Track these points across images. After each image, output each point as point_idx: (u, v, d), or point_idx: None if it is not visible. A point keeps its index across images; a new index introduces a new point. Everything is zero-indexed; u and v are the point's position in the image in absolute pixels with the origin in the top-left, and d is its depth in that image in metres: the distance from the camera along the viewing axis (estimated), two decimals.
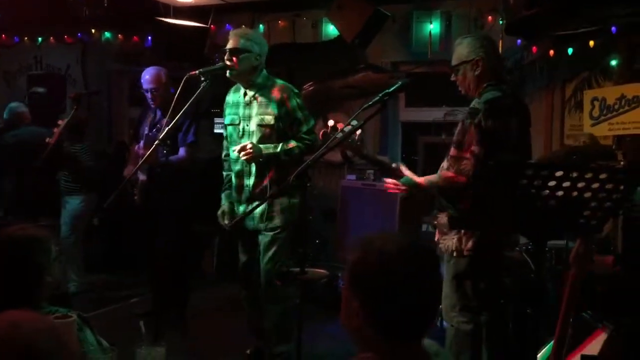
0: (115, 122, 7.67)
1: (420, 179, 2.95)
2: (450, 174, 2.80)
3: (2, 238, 1.88)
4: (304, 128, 3.48)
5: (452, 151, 2.79)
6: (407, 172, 2.94)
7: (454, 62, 2.96)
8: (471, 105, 2.81)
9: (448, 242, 2.87)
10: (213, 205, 3.75)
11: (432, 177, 2.93)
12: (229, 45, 3.40)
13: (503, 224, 2.67)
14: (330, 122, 2.91)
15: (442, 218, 2.93)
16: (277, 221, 3.45)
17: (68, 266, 5.15)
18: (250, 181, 3.50)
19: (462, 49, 2.92)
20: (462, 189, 2.79)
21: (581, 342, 2.51)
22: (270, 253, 3.46)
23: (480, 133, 2.71)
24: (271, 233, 3.46)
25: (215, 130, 6.15)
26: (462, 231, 2.82)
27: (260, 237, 3.51)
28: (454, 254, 2.85)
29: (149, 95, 4.30)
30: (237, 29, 3.52)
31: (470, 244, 2.80)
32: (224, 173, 3.69)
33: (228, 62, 3.38)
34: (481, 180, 2.54)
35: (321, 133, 2.98)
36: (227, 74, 3.42)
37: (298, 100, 3.48)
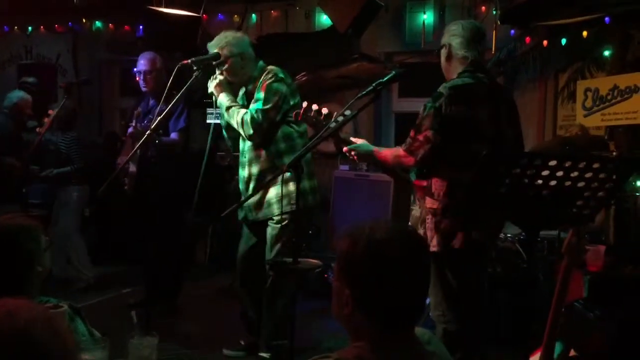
0: (106, 112, 7.62)
1: (372, 149, 2.91)
2: (401, 151, 2.76)
3: None
4: (256, 105, 3.32)
5: (411, 132, 2.75)
6: (359, 140, 2.94)
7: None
8: (438, 89, 2.75)
9: None
10: (206, 196, 3.73)
11: (384, 151, 2.91)
12: (214, 60, 3.38)
13: (488, 216, 2.67)
14: (305, 104, 2.89)
15: (416, 211, 2.86)
16: (275, 210, 3.42)
17: (75, 260, 5.13)
18: (245, 173, 3.51)
19: (443, 34, 2.95)
20: (407, 169, 2.80)
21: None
22: (277, 247, 3.42)
23: (438, 118, 2.64)
24: (277, 225, 3.42)
25: (208, 121, 6.12)
26: (427, 227, 2.74)
27: (267, 230, 3.48)
28: None
29: (142, 77, 4.28)
30: (211, 42, 3.46)
31: (434, 240, 2.71)
32: None
33: (220, 76, 3.40)
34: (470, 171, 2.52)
35: (298, 113, 2.96)
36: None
37: (275, 85, 3.33)
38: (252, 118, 3.28)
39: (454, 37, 2.84)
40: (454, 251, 2.70)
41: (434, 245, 2.71)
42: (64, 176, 5.04)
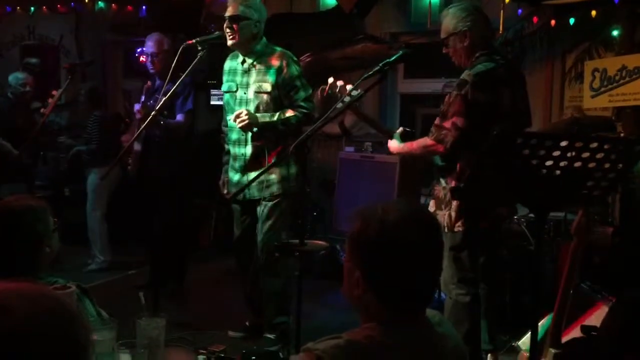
0: (110, 93, 7.58)
1: (399, 146, 3.00)
2: (429, 141, 2.83)
3: (0, 208, 1.86)
4: (302, 95, 3.42)
5: (437, 120, 2.82)
6: (392, 143, 3.05)
7: (442, 34, 2.95)
8: (461, 77, 2.80)
9: (440, 218, 2.88)
10: (210, 178, 3.72)
11: (414, 143, 2.96)
12: (228, 13, 3.36)
13: (502, 197, 2.70)
14: (330, 80, 2.91)
15: (439, 191, 2.93)
16: (275, 190, 3.43)
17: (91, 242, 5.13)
18: (246, 150, 3.47)
19: (448, 21, 2.91)
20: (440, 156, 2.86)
21: (581, 314, 2.52)
22: (268, 223, 3.44)
23: (465, 105, 2.70)
24: (270, 203, 3.44)
25: (212, 102, 6.10)
26: (452, 207, 2.81)
27: (259, 208, 3.49)
28: (446, 229, 2.86)
29: (149, 59, 4.27)
30: None
31: (460, 221, 2.80)
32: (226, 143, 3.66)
33: (228, 30, 3.34)
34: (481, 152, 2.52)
35: (320, 90, 2.99)
36: (228, 43, 3.38)
37: (297, 68, 3.44)
38: (311, 108, 3.42)
39: (473, 22, 2.83)
40: (478, 230, 2.80)
41: (458, 226, 2.81)
42: (85, 157, 5.02)
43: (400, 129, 3.10)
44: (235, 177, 3.54)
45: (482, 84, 2.73)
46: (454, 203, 2.82)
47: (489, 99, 2.74)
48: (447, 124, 2.74)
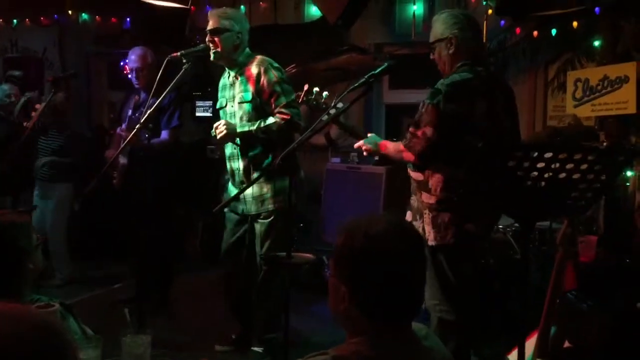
0: (94, 105, 7.54)
1: (382, 141, 2.94)
2: (402, 146, 2.77)
3: None
4: (282, 100, 3.32)
5: (411, 128, 2.74)
6: (370, 137, 2.97)
7: (430, 39, 2.88)
8: (436, 85, 2.72)
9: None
10: (195, 189, 3.70)
11: (391, 145, 2.90)
12: (209, 26, 3.35)
13: (483, 209, 2.69)
14: (306, 87, 2.90)
15: (414, 200, 2.87)
16: (269, 205, 3.40)
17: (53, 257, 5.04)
18: (239, 164, 3.45)
19: (437, 26, 2.84)
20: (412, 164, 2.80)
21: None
22: (268, 243, 3.40)
23: (436, 115, 2.62)
24: (267, 221, 3.41)
25: (197, 114, 6.08)
26: (424, 221, 2.75)
27: (256, 225, 3.46)
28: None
29: (133, 74, 4.24)
30: (216, 9, 3.45)
31: (432, 234, 2.71)
32: None
33: (210, 44, 3.33)
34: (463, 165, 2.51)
35: (296, 96, 2.97)
36: (211, 57, 3.37)
37: (276, 73, 3.36)
38: (293, 113, 3.31)
39: (460, 30, 2.75)
40: (451, 245, 2.70)
41: (431, 240, 2.72)
42: (56, 171, 4.96)
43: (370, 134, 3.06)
44: (234, 192, 3.52)
45: (456, 95, 2.64)
46: (426, 216, 2.74)
47: (462, 111, 2.65)
48: (419, 133, 2.67)
